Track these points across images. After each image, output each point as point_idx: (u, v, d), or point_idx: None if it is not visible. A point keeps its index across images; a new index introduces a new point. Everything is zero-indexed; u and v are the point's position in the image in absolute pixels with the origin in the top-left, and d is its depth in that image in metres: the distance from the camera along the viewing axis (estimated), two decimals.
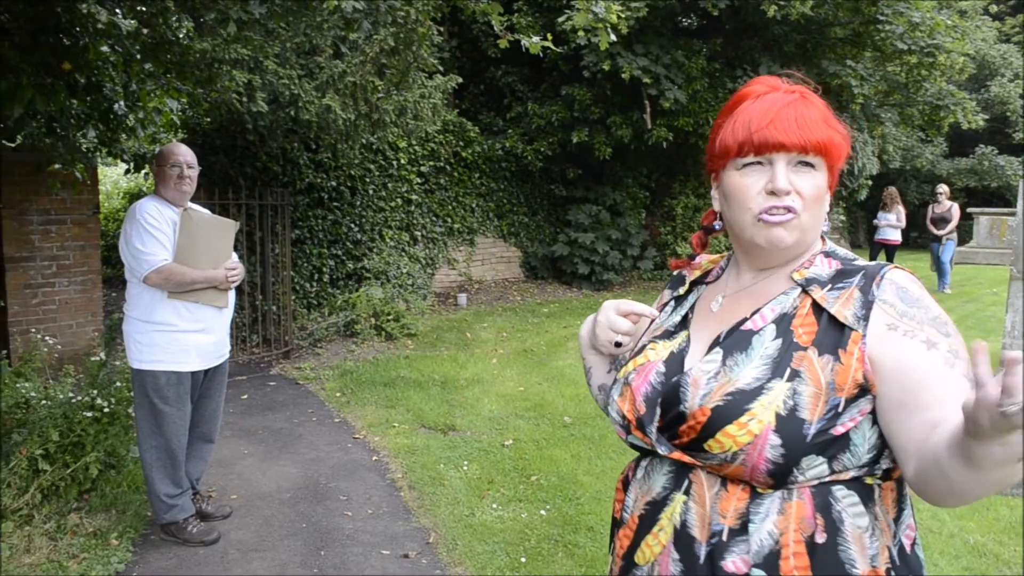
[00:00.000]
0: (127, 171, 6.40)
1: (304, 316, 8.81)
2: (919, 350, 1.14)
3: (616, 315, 1.42)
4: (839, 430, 1.16)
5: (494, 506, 4.21)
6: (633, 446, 1.37)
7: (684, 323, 1.41)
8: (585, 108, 11.56)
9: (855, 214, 21.60)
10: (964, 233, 22.10)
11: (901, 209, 13.06)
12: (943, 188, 12.84)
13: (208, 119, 7.69)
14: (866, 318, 1.18)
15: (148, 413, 3.61)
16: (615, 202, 12.80)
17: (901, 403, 1.14)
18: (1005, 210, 18.84)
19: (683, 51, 11.45)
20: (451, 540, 3.81)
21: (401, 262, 10.23)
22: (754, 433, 1.15)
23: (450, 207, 11.43)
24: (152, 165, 3.72)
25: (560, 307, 10.97)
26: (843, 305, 1.21)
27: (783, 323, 1.24)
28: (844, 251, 1.32)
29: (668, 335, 1.40)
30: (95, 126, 5.02)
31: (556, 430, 5.52)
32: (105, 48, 4.50)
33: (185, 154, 3.68)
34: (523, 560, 3.60)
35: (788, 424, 1.15)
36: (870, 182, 16.80)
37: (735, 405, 1.18)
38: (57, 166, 5.02)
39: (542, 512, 4.14)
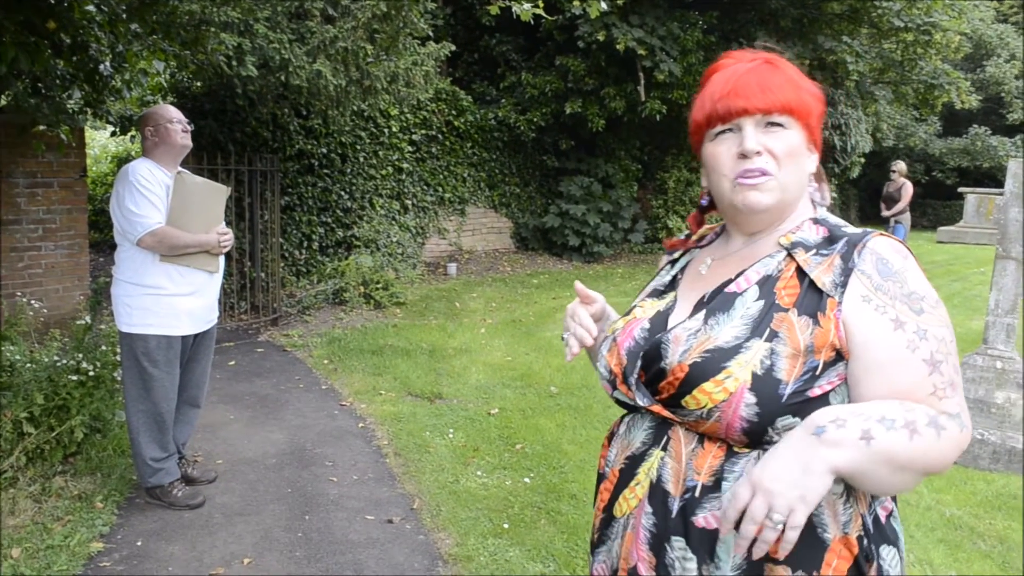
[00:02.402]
0: (113, 133, 6.34)
1: (293, 283, 8.79)
2: (886, 329, 1.16)
3: (568, 316, 1.47)
4: (815, 392, 1.17)
5: (478, 473, 4.24)
6: (618, 402, 1.39)
7: (673, 284, 1.45)
8: (579, 79, 11.48)
9: (847, 191, 21.62)
10: (952, 215, 22.18)
11: (826, 187, 12.44)
12: (898, 165, 11.80)
13: (198, 83, 7.61)
14: (844, 285, 1.19)
15: (136, 377, 3.60)
16: (607, 174, 12.77)
17: (859, 379, 1.18)
18: (993, 190, 18.86)
19: (679, 23, 11.37)
20: (435, 506, 3.84)
21: (391, 231, 10.20)
22: (729, 391, 1.17)
23: (441, 176, 11.37)
24: (140, 127, 3.68)
25: (550, 278, 10.98)
26: (824, 271, 1.21)
27: (767, 285, 1.25)
28: (835, 219, 1.34)
29: (657, 294, 1.45)
30: (80, 87, 4.96)
31: (542, 400, 5.55)
32: (91, 7, 4.43)
33: (178, 112, 3.68)
34: (506, 526, 3.63)
35: (764, 383, 1.16)
36: (863, 160, 16.82)
37: (713, 362, 1.20)
38: (42, 128, 4.97)
39: (526, 480, 4.17)
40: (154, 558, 3.28)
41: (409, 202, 10.79)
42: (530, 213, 12.99)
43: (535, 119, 11.95)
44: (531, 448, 4.62)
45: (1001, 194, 4.82)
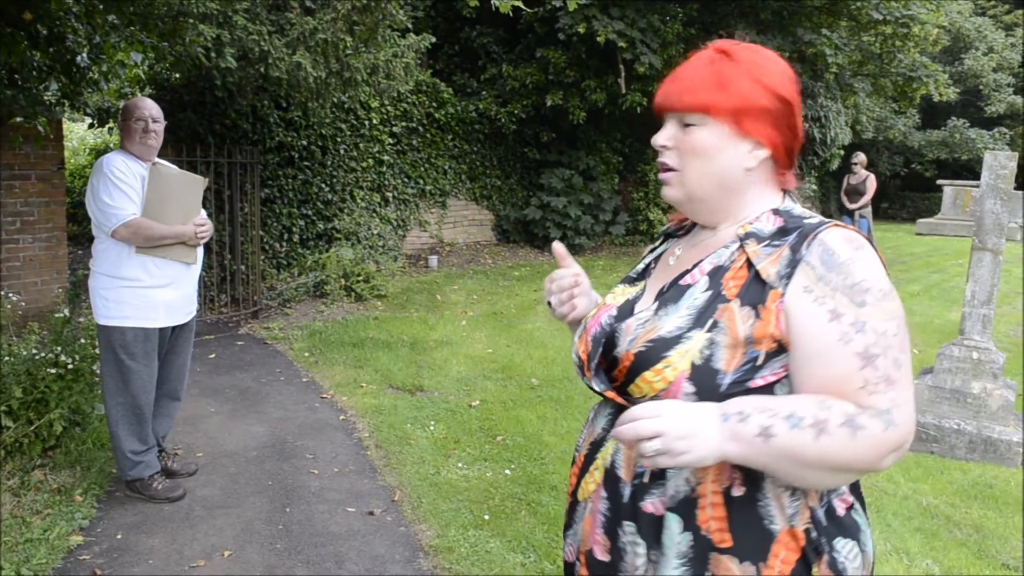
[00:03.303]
0: (91, 125, 6.29)
1: (273, 276, 8.75)
2: (822, 320, 1.14)
3: (547, 281, 1.53)
4: (757, 383, 1.18)
5: (459, 465, 4.26)
6: (590, 387, 1.41)
7: (646, 272, 1.46)
8: (560, 71, 11.49)
9: (827, 184, 21.74)
10: (931, 207, 22.36)
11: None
12: (859, 157, 11.54)
13: (176, 75, 7.55)
14: (789, 277, 1.18)
15: (115, 370, 3.58)
16: (588, 167, 12.79)
17: (796, 370, 1.18)
18: (970, 182, 19.05)
19: (659, 15, 11.38)
20: (416, 498, 3.85)
21: (372, 223, 10.18)
22: (668, 380, 1.19)
23: (422, 168, 11.35)
24: (117, 120, 3.65)
25: (531, 271, 10.99)
26: (772, 263, 1.21)
27: (716, 276, 1.26)
28: (799, 209, 1.31)
29: (631, 282, 1.46)
30: (58, 78, 4.92)
31: (523, 392, 5.57)
32: None
33: (150, 108, 3.61)
34: (486, 517, 3.64)
35: (702, 374, 1.18)
36: (842, 152, 16.90)
37: (654, 352, 1.22)
38: (19, 119, 4.92)
39: (507, 471, 4.19)
40: (134, 551, 3.28)
41: (390, 194, 10.76)
42: (511, 205, 12.99)
43: (516, 111, 11.95)
44: (512, 440, 4.64)
45: (977, 186, 4.87)
